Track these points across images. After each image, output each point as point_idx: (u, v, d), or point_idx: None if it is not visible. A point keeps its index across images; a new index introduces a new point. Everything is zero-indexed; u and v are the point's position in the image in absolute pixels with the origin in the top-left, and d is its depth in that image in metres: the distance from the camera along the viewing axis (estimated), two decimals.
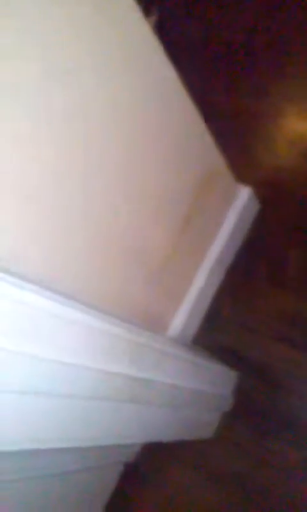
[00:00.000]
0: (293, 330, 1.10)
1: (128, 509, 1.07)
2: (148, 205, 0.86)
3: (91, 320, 0.54)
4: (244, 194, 1.13)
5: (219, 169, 1.01)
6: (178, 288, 1.06)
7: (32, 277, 0.56)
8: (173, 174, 0.89)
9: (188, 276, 1.08)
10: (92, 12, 0.55)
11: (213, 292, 1.15)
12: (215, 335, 1.15)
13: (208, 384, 0.97)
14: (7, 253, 0.57)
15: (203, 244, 1.09)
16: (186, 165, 0.92)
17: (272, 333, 1.11)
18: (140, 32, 0.65)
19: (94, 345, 0.56)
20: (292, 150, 1.26)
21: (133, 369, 0.66)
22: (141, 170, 0.80)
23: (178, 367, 0.81)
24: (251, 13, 1.43)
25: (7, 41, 0.47)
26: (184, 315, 1.07)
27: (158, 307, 1.02)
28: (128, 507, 1.07)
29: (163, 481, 1.08)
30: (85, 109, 0.61)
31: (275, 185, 1.23)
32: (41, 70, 0.52)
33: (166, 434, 0.90)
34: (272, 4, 1.42)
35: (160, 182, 0.86)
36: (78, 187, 0.66)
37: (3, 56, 0.47)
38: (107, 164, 0.70)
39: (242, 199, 1.13)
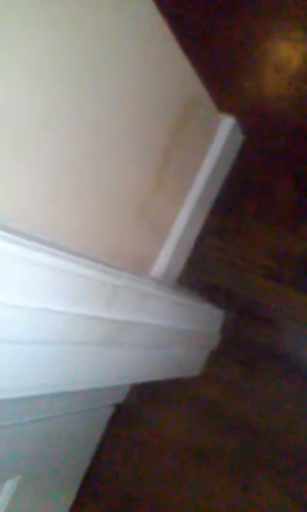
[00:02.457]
0: (282, 267, 1.07)
1: (118, 449, 1.08)
2: (125, 139, 0.80)
3: (57, 261, 0.50)
4: (226, 125, 1.06)
5: (200, 97, 0.94)
6: (160, 227, 1.01)
7: None
8: (149, 104, 0.82)
9: (172, 213, 1.03)
10: None
11: (198, 230, 1.11)
12: (201, 274, 1.12)
13: (194, 324, 0.95)
14: None
15: (185, 179, 1.03)
16: (163, 94, 0.84)
17: (261, 271, 1.08)
18: None
19: (63, 288, 0.53)
20: (277, 76, 1.18)
21: (109, 312, 0.63)
22: (117, 102, 0.73)
23: (161, 307, 0.78)
24: None
25: None
26: (168, 254, 1.04)
27: (140, 247, 0.98)
28: (118, 447, 1.08)
29: (152, 420, 1.09)
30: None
31: (260, 114, 1.16)
32: None
33: (153, 374, 0.89)
34: None
35: (136, 113, 0.79)
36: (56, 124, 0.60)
37: None
38: (82, 101, 0.63)
39: (225, 130, 1.06)
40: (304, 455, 0.99)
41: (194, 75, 0.89)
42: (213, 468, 1.04)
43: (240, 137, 1.13)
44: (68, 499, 1.08)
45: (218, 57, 1.23)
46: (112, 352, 0.68)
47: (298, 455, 0.99)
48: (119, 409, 1.06)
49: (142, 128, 0.83)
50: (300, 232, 1.07)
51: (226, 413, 1.05)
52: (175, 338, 0.85)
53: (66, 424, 0.98)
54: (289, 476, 0.99)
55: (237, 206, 1.13)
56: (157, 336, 0.78)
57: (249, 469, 1.01)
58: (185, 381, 1.03)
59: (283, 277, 1.06)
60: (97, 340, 0.61)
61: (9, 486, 0.84)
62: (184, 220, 1.05)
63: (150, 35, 0.74)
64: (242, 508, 1.01)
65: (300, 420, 1.00)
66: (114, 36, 0.68)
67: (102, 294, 0.60)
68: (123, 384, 0.94)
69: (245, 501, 1.01)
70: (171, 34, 0.78)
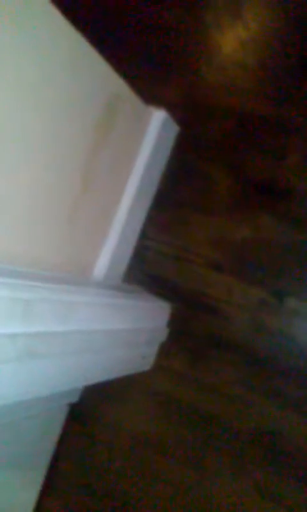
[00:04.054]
0: (223, 256, 1.08)
1: (77, 447, 1.10)
2: (46, 141, 0.79)
3: None
4: (157, 118, 1.06)
5: (122, 94, 0.93)
6: (97, 227, 1.01)
7: None
8: (68, 105, 0.81)
9: (108, 213, 1.03)
10: None
11: (138, 227, 1.11)
12: (145, 268, 1.13)
13: (137, 322, 0.96)
14: None
15: (119, 175, 1.03)
16: (82, 95, 0.83)
17: (203, 261, 1.10)
18: None
19: None
20: (209, 63, 1.17)
21: (26, 326, 0.63)
22: (34, 106, 0.72)
23: (95, 312, 0.79)
24: None
25: None
26: (109, 253, 1.04)
27: (78, 249, 0.98)
28: (76, 444, 1.10)
29: (108, 416, 1.11)
30: None
31: (193, 104, 1.16)
32: None
33: (99, 376, 0.90)
34: None
35: (55, 114, 0.79)
36: None
37: None
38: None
39: (156, 123, 1.06)
40: (254, 437, 1.02)
41: (112, 73, 0.88)
42: (172, 458, 1.07)
43: (175, 128, 1.12)
44: (31, 497, 1.10)
45: (149, 47, 1.22)
46: (42, 364, 0.69)
47: (249, 437, 1.02)
48: (74, 407, 1.07)
49: (63, 129, 0.83)
50: (237, 220, 1.08)
51: (179, 403, 1.07)
52: (116, 339, 0.87)
53: (21, 427, 0.99)
54: (243, 459, 1.03)
55: (176, 198, 1.13)
56: (92, 341, 0.79)
57: (204, 455, 1.04)
58: (137, 375, 1.05)
59: (224, 266, 1.07)
60: (17, 355, 0.62)
61: None
62: (123, 217, 1.05)
63: (56, 40, 0.73)
64: (201, 494, 1.05)
65: (250, 405, 1.03)
66: (16, 41, 0.67)
67: (15, 309, 0.60)
68: (68, 389, 0.95)
69: (204, 486, 1.04)
70: (77, 34, 0.77)
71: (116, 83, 0.91)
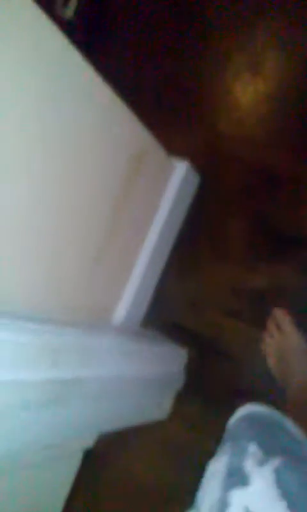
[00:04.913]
0: (240, 303, 1.10)
1: (90, 492, 1.08)
2: (76, 194, 0.83)
3: None
4: (180, 169, 1.10)
5: (149, 148, 0.97)
6: (119, 273, 1.04)
7: None
8: (99, 161, 0.86)
9: (130, 259, 1.06)
10: None
11: (158, 272, 1.13)
12: (165, 314, 1.14)
13: (156, 367, 0.97)
14: None
15: (141, 225, 1.06)
16: (112, 150, 0.88)
17: (221, 308, 1.11)
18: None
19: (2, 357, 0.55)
20: (229, 116, 1.22)
21: (56, 372, 0.65)
22: (68, 163, 0.77)
23: (115, 359, 0.80)
24: None
25: None
26: (129, 299, 1.06)
27: (100, 295, 1.00)
28: (89, 490, 1.08)
29: (121, 463, 1.09)
30: None
31: (214, 155, 1.20)
32: None
33: (114, 424, 0.90)
34: None
35: (87, 170, 0.83)
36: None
37: None
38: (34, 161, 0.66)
39: (179, 174, 1.10)
40: None
41: (142, 128, 0.93)
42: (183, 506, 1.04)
43: (196, 179, 1.16)
44: None
45: (173, 101, 1.28)
46: (63, 410, 0.70)
47: None
48: (89, 453, 1.07)
49: (93, 183, 0.86)
50: (255, 269, 1.10)
51: (193, 452, 1.06)
52: (133, 386, 0.87)
53: (34, 473, 0.99)
54: None
55: (196, 245, 1.16)
56: (111, 387, 0.80)
57: None
58: (152, 422, 1.04)
59: (241, 314, 1.08)
60: (44, 402, 0.63)
61: None
62: (144, 264, 1.07)
63: (91, 99, 0.78)
64: None
65: None
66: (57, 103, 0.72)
67: (45, 357, 0.62)
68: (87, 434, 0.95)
69: None
70: (113, 94, 0.82)
71: (143, 138, 0.95)
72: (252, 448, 0.54)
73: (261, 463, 0.51)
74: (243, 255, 1.12)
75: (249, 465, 0.52)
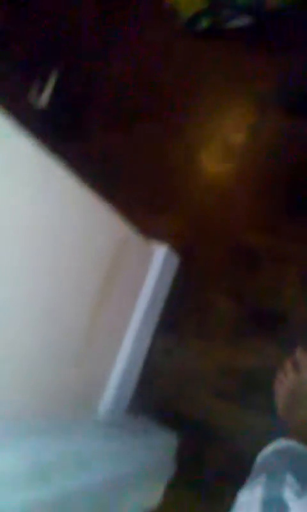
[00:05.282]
0: (230, 383, 1.10)
1: None
2: (59, 288, 0.84)
3: None
4: (160, 253, 1.13)
5: (129, 240, 1.00)
6: (104, 362, 1.04)
7: None
8: (80, 256, 0.88)
9: (115, 346, 1.06)
10: None
11: (143, 357, 1.14)
12: (152, 397, 1.14)
13: (146, 459, 0.95)
14: None
15: (125, 312, 1.07)
16: (92, 243, 0.90)
17: (210, 388, 1.11)
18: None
19: None
20: (207, 197, 1.27)
21: (46, 488, 0.64)
22: (50, 259, 0.78)
23: (103, 461, 0.79)
24: None
25: None
26: (114, 386, 1.06)
27: (85, 388, 1.00)
28: None
29: None
30: None
31: (194, 234, 1.24)
32: None
33: None
34: None
35: (69, 265, 0.85)
36: None
37: None
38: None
39: (159, 258, 1.13)
40: None
41: (119, 222, 0.96)
42: None
43: (175, 259, 1.19)
44: None
45: (151, 183, 1.33)
46: None
47: None
48: None
49: (75, 277, 0.88)
50: (241, 347, 1.11)
51: None
52: (121, 484, 0.86)
53: None
54: None
55: (180, 325, 1.17)
56: (97, 489, 0.78)
57: None
58: None
59: (229, 394, 1.08)
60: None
61: None
62: (128, 350, 1.08)
63: (69, 203, 0.81)
64: None
65: None
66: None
67: (34, 473, 0.61)
68: None
69: None
70: (90, 195, 0.85)
71: (123, 230, 0.98)
72: (290, 479, 0.56)
73: (299, 494, 0.52)
74: (229, 333, 1.13)
75: (288, 495, 0.53)
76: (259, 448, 1.04)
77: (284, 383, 1.02)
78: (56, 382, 0.89)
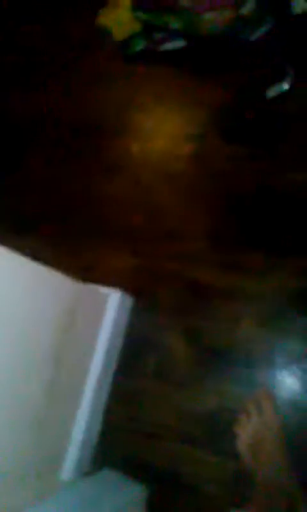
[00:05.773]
0: (194, 428, 1.08)
1: None
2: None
3: None
4: (114, 298, 1.09)
5: (80, 306, 0.95)
6: (65, 421, 0.99)
7: None
8: (31, 324, 0.82)
9: (74, 403, 1.01)
10: None
11: (102, 409, 1.09)
12: (116, 449, 1.10)
13: None
14: None
15: (82, 367, 1.02)
16: (46, 310, 0.85)
17: (172, 435, 1.09)
18: None
19: None
20: (152, 236, 1.24)
21: None
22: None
23: None
24: None
25: None
26: (76, 446, 1.01)
27: (48, 448, 0.95)
28: None
29: None
30: None
31: (145, 274, 1.20)
32: None
33: None
34: None
35: (21, 334, 0.79)
36: None
37: None
38: None
39: (113, 303, 1.09)
40: None
41: (69, 282, 0.91)
42: None
43: (130, 301, 1.15)
44: None
45: (99, 226, 1.27)
46: None
47: None
48: None
49: (30, 340, 0.82)
50: (201, 390, 1.09)
51: None
52: None
53: None
54: None
55: (138, 370, 1.13)
56: None
57: None
58: None
59: (194, 439, 1.07)
60: None
61: None
62: (88, 401, 1.03)
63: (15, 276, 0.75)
64: None
65: None
66: None
67: None
68: None
69: None
70: (35, 265, 0.79)
71: (74, 289, 0.93)
72: None
73: None
74: (188, 375, 1.11)
75: None
76: (229, 493, 1.04)
77: (246, 427, 1.02)
78: (18, 447, 0.84)
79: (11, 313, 0.74)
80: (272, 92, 1.24)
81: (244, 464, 1.00)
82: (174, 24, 1.27)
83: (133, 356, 1.14)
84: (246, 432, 1.01)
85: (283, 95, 1.24)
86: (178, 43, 1.34)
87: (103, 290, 1.07)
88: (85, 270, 1.17)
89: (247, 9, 1.20)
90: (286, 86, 1.23)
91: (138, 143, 1.34)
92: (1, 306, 0.71)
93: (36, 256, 0.80)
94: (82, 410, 1.02)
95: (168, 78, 1.35)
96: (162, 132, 1.34)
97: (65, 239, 1.26)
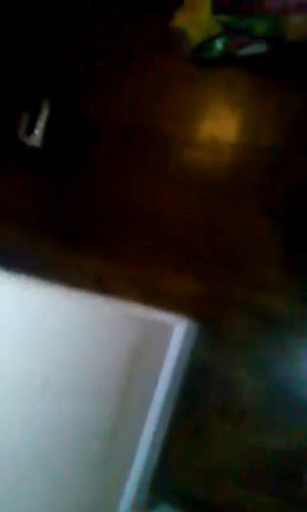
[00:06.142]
0: (255, 471, 1.02)
1: None
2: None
3: None
4: (180, 328, 1.03)
5: (150, 330, 0.90)
6: (123, 463, 0.95)
7: None
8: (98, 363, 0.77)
9: (135, 438, 0.97)
10: None
11: (160, 445, 1.04)
12: (171, 484, 1.05)
13: None
14: None
15: (145, 401, 0.98)
16: (109, 348, 0.80)
17: (236, 477, 1.03)
18: None
19: None
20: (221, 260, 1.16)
21: None
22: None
23: None
24: None
25: None
26: (135, 480, 0.97)
27: (108, 485, 0.91)
28: None
29: None
30: None
31: (213, 296, 1.13)
32: None
33: None
34: None
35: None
36: None
37: None
38: None
39: (179, 333, 1.02)
40: None
41: (139, 317, 0.86)
42: None
43: (195, 330, 1.09)
44: None
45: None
46: None
47: None
48: None
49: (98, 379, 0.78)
50: (272, 427, 1.03)
51: None
52: None
53: None
54: None
55: (202, 402, 1.08)
56: None
57: None
58: None
59: (257, 483, 1.01)
60: None
61: None
62: (149, 438, 0.99)
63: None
64: None
65: None
66: None
67: None
68: None
69: None
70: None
71: (140, 322, 0.88)
72: None
73: None
74: (254, 411, 1.05)
75: None
76: None
77: None
78: (80, 486, 0.81)
79: (76, 361, 0.70)
80: None
81: None
82: (258, 27, 1.16)
83: (197, 390, 1.08)
84: None
85: None
86: (260, 48, 1.23)
87: (168, 318, 1.01)
88: (145, 294, 1.12)
89: None
90: None
91: (211, 155, 1.25)
92: (66, 357, 0.67)
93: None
94: (142, 447, 0.98)
95: (247, 85, 1.25)
96: (237, 144, 1.25)
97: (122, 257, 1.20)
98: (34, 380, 0.68)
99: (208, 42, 1.26)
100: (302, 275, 1.08)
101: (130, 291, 1.13)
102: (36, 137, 1.30)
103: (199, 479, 1.04)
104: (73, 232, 1.25)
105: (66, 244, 1.24)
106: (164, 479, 1.05)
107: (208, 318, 1.11)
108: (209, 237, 1.17)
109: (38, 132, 1.31)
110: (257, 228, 1.14)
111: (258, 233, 1.14)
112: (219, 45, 1.25)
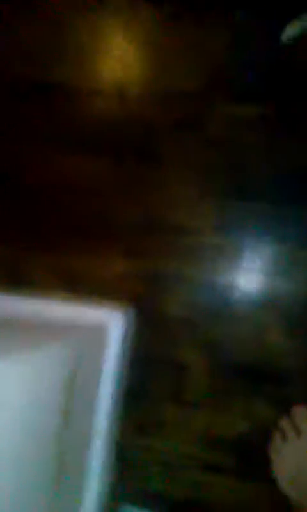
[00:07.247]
0: (220, 454, 0.96)
1: None
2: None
3: None
4: (115, 322, 0.90)
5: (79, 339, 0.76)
6: (78, 474, 0.85)
7: None
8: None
9: (84, 449, 0.87)
10: None
11: (114, 441, 0.95)
12: (132, 482, 0.98)
13: None
14: None
15: (88, 410, 0.86)
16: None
17: (198, 463, 0.97)
18: None
19: None
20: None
21: None
22: None
23: None
24: None
25: None
26: (93, 488, 0.88)
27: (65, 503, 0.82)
28: None
29: None
30: None
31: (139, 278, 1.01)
32: None
33: None
34: None
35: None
36: None
37: None
38: None
39: (116, 329, 0.90)
40: None
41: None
42: None
43: (131, 318, 0.97)
44: None
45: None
46: None
47: None
48: None
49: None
50: (226, 411, 0.96)
51: None
52: None
53: None
54: None
55: (153, 392, 0.98)
56: None
57: None
58: None
59: (220, 466, 0.95)
60: None
61: None
62: (99, 443, 0.89)
63: None
64: None
65: None
66: None
67: None
68: None
69: None
70: None
71: (72, 320, 0.74)
72: None
73: None
74: (209, 395, 0.96)
75: None
76: None
77: (283, 451, 0.89)
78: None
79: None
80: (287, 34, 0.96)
81: (280, 493, 0.89)
82: None
83: (145, 380, 0.98)
84: (284, 460, 0.89)
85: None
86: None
87: (100, 317, 0.88)
88: (67, 283, 0.97)
89: None
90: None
91: (120, 101, 1.06)
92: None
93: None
94: (95, 452, 0.88)
95: (152, 21, 1.04)
96: (146, 93, 1.06)
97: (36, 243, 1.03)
98: None
99: None
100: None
101: (50, 282, 0.98)
102: None
103: (162, 472, 0.97)
104: None
105: None
106: (123, 481, 0.97)
107: (143, 300, 0.99)
108: (128, 204, 1.02)
109: None
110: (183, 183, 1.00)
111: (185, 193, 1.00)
112: None
